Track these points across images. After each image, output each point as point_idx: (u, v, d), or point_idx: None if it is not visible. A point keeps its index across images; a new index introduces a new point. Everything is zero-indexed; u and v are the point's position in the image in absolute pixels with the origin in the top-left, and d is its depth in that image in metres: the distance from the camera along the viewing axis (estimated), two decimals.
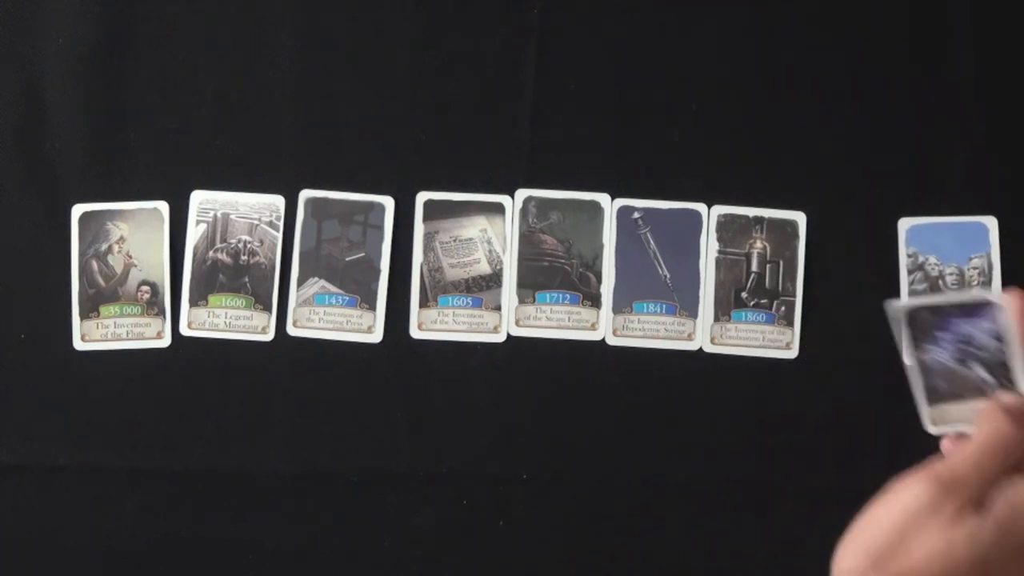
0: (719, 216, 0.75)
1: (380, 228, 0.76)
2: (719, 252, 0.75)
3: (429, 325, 0.75)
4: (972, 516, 0.50)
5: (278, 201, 0.76)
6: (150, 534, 0.74)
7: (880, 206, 0.75)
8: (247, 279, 0.76)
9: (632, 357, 0.75)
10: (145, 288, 0.76)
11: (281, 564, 0.74)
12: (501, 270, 0.76)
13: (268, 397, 0.75)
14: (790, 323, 0.74)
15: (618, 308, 0.75)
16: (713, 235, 0.75)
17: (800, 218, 0.75)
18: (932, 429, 0.59)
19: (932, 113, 0.76)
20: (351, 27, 0.77)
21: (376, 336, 0.75)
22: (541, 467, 0.74)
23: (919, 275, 0.74)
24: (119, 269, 0.76)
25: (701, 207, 0.76)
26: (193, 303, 0.76)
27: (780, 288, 0.75)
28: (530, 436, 0.74)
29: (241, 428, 0.75)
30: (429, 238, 0.76)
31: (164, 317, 0.76)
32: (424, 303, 0.75)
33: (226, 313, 0.76)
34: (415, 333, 0.75)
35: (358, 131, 0.77)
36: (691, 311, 0.75)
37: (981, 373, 0.58)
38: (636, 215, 0.76)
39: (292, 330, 0.75)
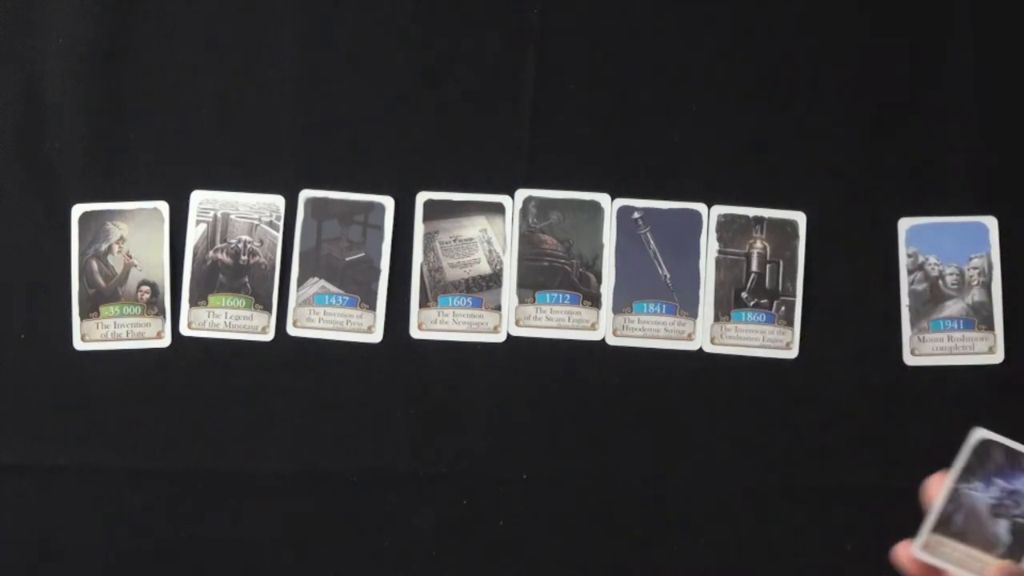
0: (719, 216, 0.75)
1: (380, 228, 0.76)
2: (719, 252, 0.75)
3: (429, 325, 0.75)
4: None
5: (278, 201, 0.76)
6: (150, 534, 0.74)
7: (880, 206, 0.75)
8: (247, 279, 0.76)
9: (632, 357, 0.75)
10: (145, 288, 0.76)
11: (281, 564, 0.74)
12: (501, 270, 0.76)
13: (268, 397, 0.75)
14: (790, 323, 0.74)
15: (618, 308, 0.75)
16: (713, 235, 0.75)
17: (800, 218, 0.75)
18: (918, 552, 0.58)
19: (932, 113, 0.76)
20: (351, 27, 0.77)
21: (376, 336, 0.75)
22: (541, 467, 0.74)
23: (919, 275, 0.74)
24: (119, 269, 0.76)
25: (701, 207, 0.76)
26: (193, 303, 0.76)
27: (780, 288, 0.75)
28: (530, 436, 0.74)
29: (241, 428, 0.75)
30: (429, 238, 0.76)
31: (164, 317, 0.76)
32: (424, 303, 0.75)
33: (226, 313, 0.76)
34: (415, 333, 0.75)
35: (358, 131, 0.77)
36: (691, 311, 0.75)
37: (1002, 531, 0.58)
38: (636, 215, 0.76)
39: (292, 330, 0.75)
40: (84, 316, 0.76)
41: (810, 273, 0.75)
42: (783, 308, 0.75)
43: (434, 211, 0.76)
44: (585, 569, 0.74)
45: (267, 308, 0.76)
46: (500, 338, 0.75)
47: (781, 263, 0.75)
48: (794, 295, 0.75)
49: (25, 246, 0.76)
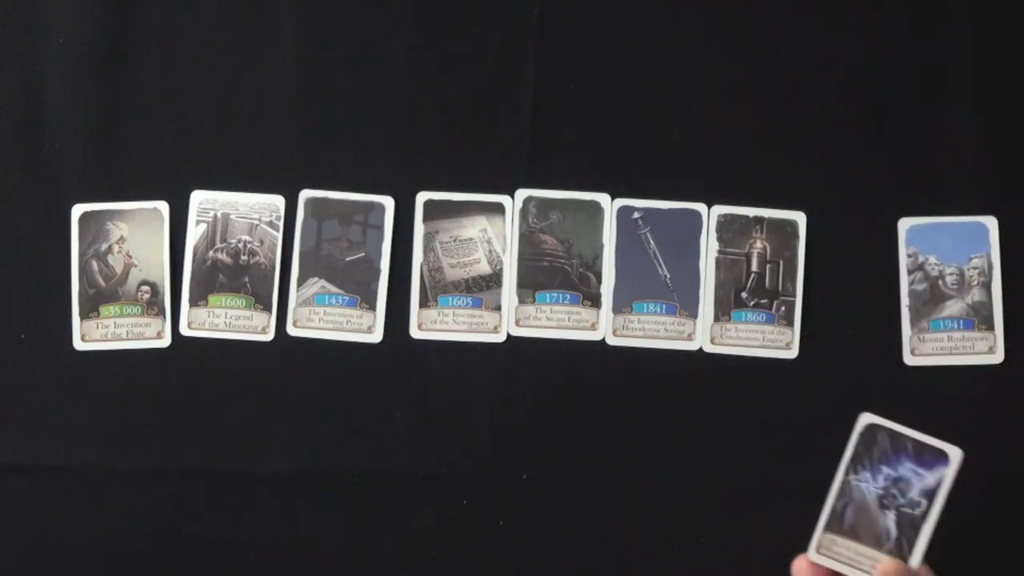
0: (719, 216, 0.75)
1: (380, 228, 0.76)
2: (719, 252, 0.75)
3: (429, 325, 0.75)
4: None
5: (278, 201, 0.76)
6: (150, 534, 0.74)
7: (880, 206, 0.75)
8: (247, 279, 0.76)
9: (632, 357, 0.75)
10: (145, 288, 0.76)
11: (281, 564, 0.74)
12: (501, 270, 0.76)
13: (268, 397, 0.75)
14: (790, 323, 0.74)
15: (618, 308, 0.75)
16: (713, 235, 0.75)
17: (800, 218, 0.75)
18: (813, 555, 0.59)
19: (932, 113, 0.76)
20: (351, 27, 0.77)
21: (376, 336, 0.75)
22: (541, 467, 0.74)
23: (919, 275, 0.75)
24: (119, 269, 0.76)
25: (701, 207, 0.76)
26: (193, 303, 0.76)
27: (780, 288, 0.75)
28: (530, 436, 0.74)
29: (241, 428, 0.75)
30: (429, 238, 0.76)
31: (164, 317, 0.76)
32: (424, 303, 0.75)
33: (226, 313, 0.76)
34: (415, 333, 0.75)
35: (358, 131, 0.77)
36: (691, 311, 0.75)
37: (890, 524, 0.58)
38: (636, 215, 0.76)
39: (292, 330, 0.75)
40: (84, 316, 0.76)
41: (810, 273, 0.75)
42: (783, 308, 0.75)
43: (434, 211, 0.76)
44: (585, 569, 0.74)
45: (267, 308, 0.76)
46: (500, 338, 0.75)
47: (781, 263, 0.75)
48: (794, 295, 0.75)
49: (25, 246, 0.76)
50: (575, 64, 0.77)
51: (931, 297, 0.74)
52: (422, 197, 0.76)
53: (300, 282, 0.76)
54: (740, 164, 0.76)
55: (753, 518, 0.73)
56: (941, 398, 0.73)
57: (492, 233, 0.76)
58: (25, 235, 0.77)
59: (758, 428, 0.74)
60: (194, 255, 0.76)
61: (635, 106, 0.76)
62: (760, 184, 0.76)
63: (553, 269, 0.76)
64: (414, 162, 0.77)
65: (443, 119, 0.77)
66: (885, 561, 0.58)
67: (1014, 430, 0.74)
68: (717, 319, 0.75)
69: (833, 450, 0.73)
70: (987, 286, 0.74)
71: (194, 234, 0.76)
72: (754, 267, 0.75)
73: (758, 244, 0.75)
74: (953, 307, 0.74)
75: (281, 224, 0.76)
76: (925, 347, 0.74)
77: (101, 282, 0.76)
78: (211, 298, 0.76)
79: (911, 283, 0.75)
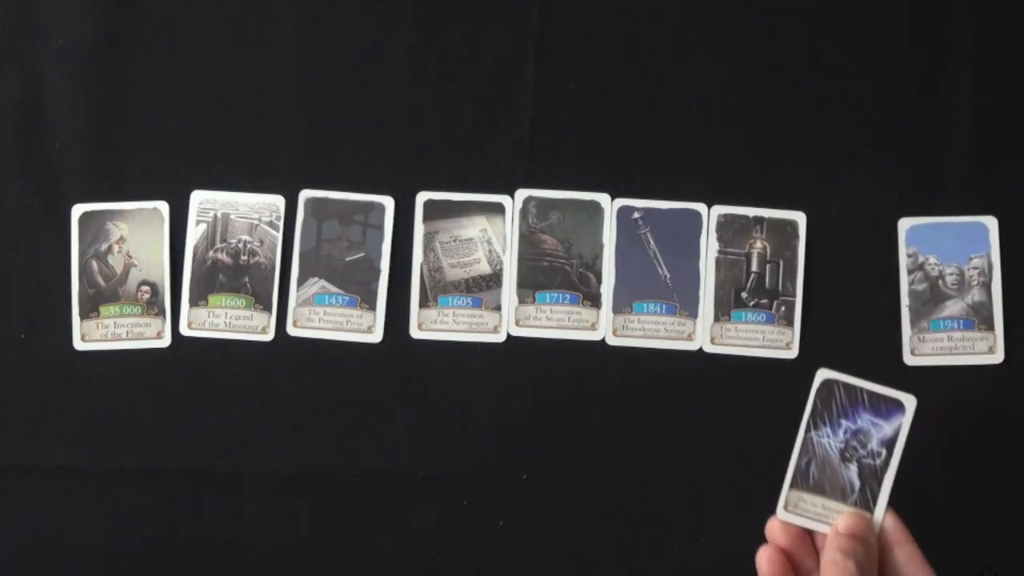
0: (719, 216, 0.75)
1: (380, 228, 0.76)
2: (719, 252, 0.75)
3: (429, 325, 0.75)
4: None
5: (278, 201, 0.76)
6: (150, 534, 0.74)
7: (880, 206, 0.75)
8: (247, 279, 0.76)
9: (632, 357, 0.75)
10: (145, 288, 0.76)
11: (281, 564, 0.74)
12: (501, 270, 0.76)
13: (268, 397, 0.75)
14: (790, 323, 0.74)
15: (618, 308, 0.75)
16: (713, 235, 0.75)
17: (800, 218, 0.75)
18: (781, 513, 0.59)
19: (932, 113, 0.76)
20: (351, 27, 0.77)
21: (376, 336, 0.75)
22: (541, 467, 0.74)
23: (919, 275, 0.75)
24: (119, 269, 0.76)
25: (701, 207, 0.76)
26: (193, 303, 0.76)
27: (780, 288, 0.75)
28: (530, 436, 0.74)
29: (241, 428, 0.75)
30: (429, 238, 0.76)
31: (164, 317, 0.76)
32: (424, 303, 0.75)
33: (226, 313, 0.76)
34: (415, 333, 0.75)
35: (358, 131, 0.77)
36: (691, 311, 0.75)
37: (853, 476, 0.59)
38: (636, 215, 0.76)
39: (292, 330, 0.75)
40: (84, 316, 0.76)
41: (810, 273, 0.75)
42: (783, 308, 0.75)
43: (434, 211, 0.76)
44: (585, 569, 0.74)
45: (267, 308, 0.76)
46: (500, 338, 0.75)
47: (781, 263, 0.75)
48: (794, 295, 0.75)
49: (25, 246, 0.76)
50: (575, 64, 0.77)
51: (931, 297, 0.74)
52: (422, 197, 0.76)
53: (300, 282, 0.76)
54: (740, 164, 0.76)
55: (753, 518, 0.73)
56: (941, 398, 0.73)
57: (492, 233, 0.76)
58: (25, 235, 0.77)
59: (758, 428, 0.74)
60: (194, 255, 0.76)
61: (635, 106, 0.76)
62: (760, 184, 0.76)
63: (553, 269, 0.76)
64: (414, 162, 0.77)
65: (443, 119, 0.77)
66: (845, 513, 0.59)
67: (1014, 430, 0.74)
68: (717, 319, 0.75)
69: None
70: (987, 286, 0.74)
71: (194, 234, 0.76)
72: (754, 267, 0.75)
73: (758, 244, 0.75)
74: (953, 307, 0.74)
75: (281, 224, 0.76)
76: (925, 347, 0.74)
77: (101, 282, 0.76)
78: (211, 298, 0.76)
79: (911, 283, 0.75)
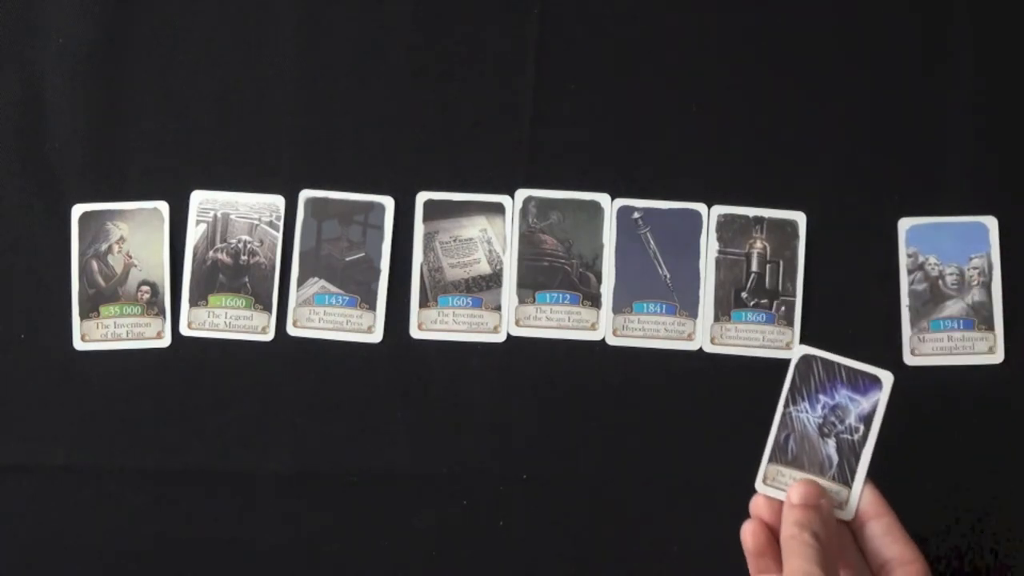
0: (719, 216, 0.75)
1: (380, 228, 0.76)
2: (719, 252, 0.75)
3: (429, 325, 0.75)
4: None
5: (278, 201, 0.76)
6: (150, 534, 0.74)
7: (880, 206, 0.75)
8: (247, 279, 0.76)
9: (632, 357, 0.75)
10: (145, 288, 0.76)
11: (281, 564, 0.74)
12: (501, 270, 0.76)
13: (268, 397, 0.75)
14: (790, 323, 0.74)
15: (618, 308, 0.75)
16: (713, 235, 0.75)
17: (800, 218, 0.75)
18: (759, 486, 0.60)
19: (932, 113, 0.76)
20: (351, 27, 0.78)
21: (376, 336, 0.75)
22: (541, 467, 0.74)
23: (919, 275, 0.75)
24: (119, 269, 0.76)
25: (701, 207, 0.76)
26: (193, 303, 0.76)
27: (780, 288, 0.75)
28: (530, 436, 0.74)
29: (241, 428, 0.75)
30: (429, 238, 0.76)
31: (164, 317, 0.76)
32: (424, 303, 0.75)
33: (226, 313, 0.76)
34: (415, 333, 0.75)
35: (358, 131, 0.77)
36: (691, 311, 0.75)
37: (831, 451, 0.60)
38: (636, 215, 0.76)
39: (292, 330, 0.75)
40: (84, 316, 0.76)
41: (810, 273, 0.75)
42: (783, 308, 0.75)
43: (434, 211, 0.76)
44: (585, 569, 0.74)
45: (267, 308, 0.76)
46: (500, 338, 0.75)
47: (781, 263, 0.75)
48: (794, 295, 0.75)
49: (25, 246, 0.76)
50: (575, 64, 0.77)
51: (931, 297, 0.74)
52: (422, 197, 0.76)
53: (300, 282, 0.76)
54: (740, 164, 0.76)
55: None
56: (941, 398, 0.73)
57: (492, 233, 0.76)
58: (25, 235, 0.77)
59: (758, 428, 0.74)
60: (194, 255, 0.76)
61: (635, 106, 0.76)
62: (760, 184, 0.76)
63: (553, 269, 0.76)
64: (414, 162, 0.77)
65: (443, 119, 0.77)
66: (796, 482, 0.59)
67: (1014, 430, 0.74)
68: (717, 319, 0.75)
69: None
70: (987, 286, 0.74)
71: (194, 234, 0.76)
72: (754, 267, 0.75)
73: (758, 244, 0.75)
74: (953, 307, 0.74)
75: (281, 224, 0.76)
76: (925, 347, 0.74)
77: (101, 282, 0.76)
78: (211, 298, 0.76)
79: (911, 283, 0.75)
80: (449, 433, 0.74)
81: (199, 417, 0.75)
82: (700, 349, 0.75)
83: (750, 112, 0.76)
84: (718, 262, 0.75)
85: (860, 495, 0.59)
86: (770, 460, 0.61)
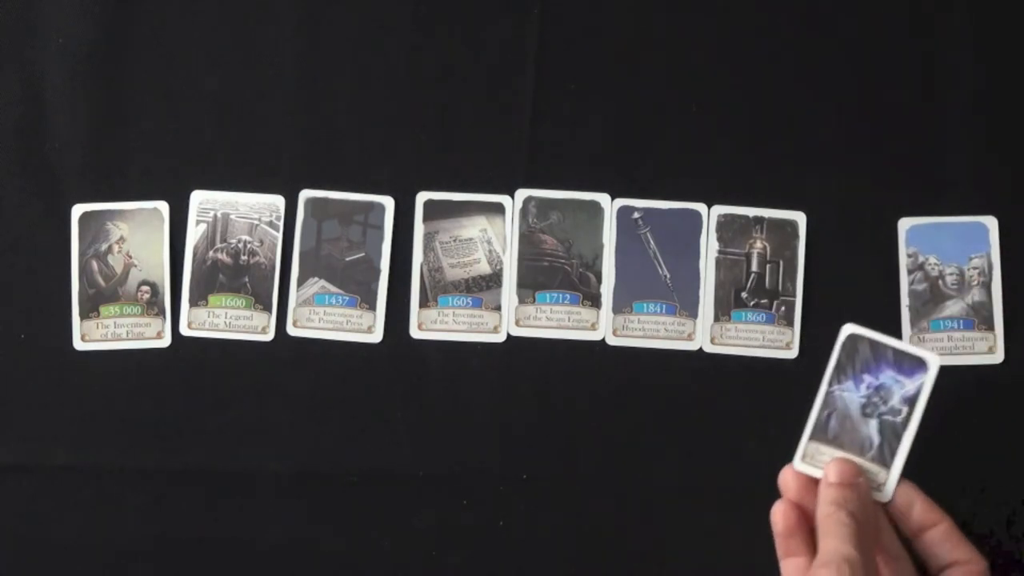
0: (719, 216, 0.75)
1: (380, 228, 0.76)
2: (719, 252, 0.75)
3: (429, 325, 0.75)
4: None
5: (278, 201, 0.76)
6: (150, 534, 0.74)
7: (880, 206, 0.75)
8: (247, 279, 0.76)
9: (632, 357, 0.75)
10: (145, 288, 0.76)
11: (281, 564, 0.74)
12: (501, 270, 0.76)
13: (268, 397, 0.75)
14: (790, 323, 0.74)
15: (618, 308, 0.75)
16: (713, 235, 0.75)
17: (800, 218, 0.75)
18: (798, 464, 0.60)
19: (932, 113, 0.76)
20: (351, 27, 0.77)
21: (376, 336, 0.75)
22: (541, 467, 0.74)
23: (919, 275, 0.75)
24: (119, 269, 0.76)
25: (701, 207, 0.76)
26: (193, 303, 0.76)
27: (780, 288, 0.75)
28: (530, 436, 0.74)
29: (241, 428, 0.75)
30: (429, 238, 0.76)
31: (164, 317, 0.76)
32: (424, 303, 0.75)
33: (226, 313, 0.76)
34: (415, 333, 0.75)
35: (358, 131, 0.77)
36: (691, 311, 0.75)
37: (872, 432, 0.59)
38: (636, 215, 0.76)
39: (292, 330, 0.75)
40: (84, 316, 0.76)
41: (810, 273, 0.75)
42: (783, 308, 0.75)
43: (434, 211, 0.76)
44: (585, 569, 0.74)
45: (267, 308, 0.76)
46: (500, 338, 0.75)
47: (781, 263, 0.75)
48: (794, 295, 0.75)
49: (25, 246, 0.76)
50: (575, 64, 0.77)
51: (931, 297, 0.74)
52: (422, 197, 0.76)
53: (300, 282, 0.76)
54: (740, 164, 0.76)
55: (753, 518, 0.73)
56: (941, 398, 0.73)
57: (492, 233, 0.76)
58: (25, 235, 0.77)
59: (758, 428, 0.74)
60: (194, 255, 0.76)
61: (635, 106, 0.76)
62: (760, 184, 0.76)
63: (553, 269, 0.76)
64: (414, 162, 0.77)
65: (443, 119, 0.77)
66: (833, 460, 0.59)
67: (1014, 430, 0.74)
68: (717, 319, 0.75)
69: None
70: (987, 286, 0.74)
71: (194, 234, 0.76)
72: (754, 267, 0.75)
73: (758, 244, 0.75)
74: (953, 307, 0.74)
75: (281, 224, 0.76)
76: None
77: (101, 282, 0.76)
78: (211, 298, 0.76)
79: (911, 283, 0.75)
80: (449, 433, 0.74)
81: (199, 417, 0.75)
82: (700, 349, 0.75)
83: (750, 112, 0.76)
84: (718, 262, 0.75)
85: (898, 481, 0.59)
86: (811, 438, 0.61)
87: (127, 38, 0.78)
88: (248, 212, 0.76)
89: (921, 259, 0.75)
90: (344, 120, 0.77)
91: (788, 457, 0.70)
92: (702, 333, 0.75)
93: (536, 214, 0.76)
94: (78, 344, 0.76)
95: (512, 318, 0.75)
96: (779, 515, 0.59)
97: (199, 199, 0.77)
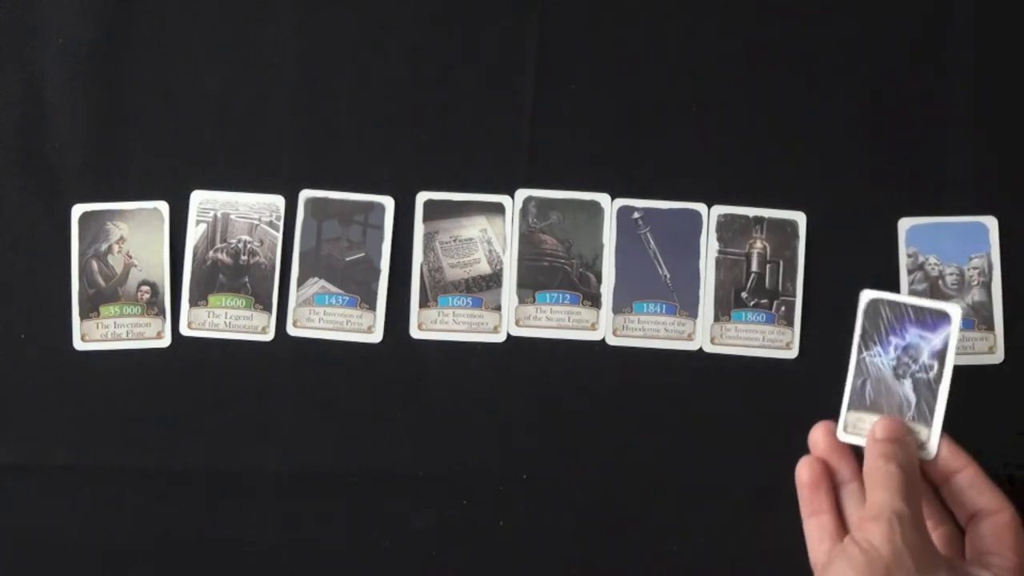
0: (719, 216, 0.75)
1: (380, 228, 0.76)
2: (719, 252, 0.75)
3: (429, 325, 0.75)
4: None
5: (278, 201, 0.76)
6: (150, 534, 0.74)
7: (880, 206, 0.75)
8: (247, 279, 0.76)
9: (632, 357, 0.75)
10: (145, 288, 0.76)
11: (281, 564, 0.74)
12: (501, 270, 0.76)
13: (268, 397, 0.75)
14: (790, 323, 0.74)
15: (618, 308, 0.75)
16: (713, 235, 0.75)
17: (800, 218, 0.75)
18: (841, 435, 0.60)
19: (932, 113, 0.76)
20: (351, 27, 0.77)
21: (376, 336, 0.75)
22: (541, 467, 0.74)
23: (919, 275, 0.75)
24: (119, 269, 0.76)
25: (701, 207, 0.76)
26: (193, 303, 0.76)
27: (780, 288, 0.75)
28: (530, 436, 0.74)
29: (241, 428, 0.75)
30: (429, 238, 0.76)
31: (164, 317, 0.76)
32: (424, 303, 0.75)
33: (226, 313, 0.76)
34: (415, 333, 0.75)
35: (358, 131, 0.77)
36: (691, 311, 0.75)
37: (908, 392, 0.59)
38: (636, 215, 0.76)
39: (292, 330, 0.75)
40: (84, 316, 0.76)
41: (810, 273, 0.75)
42: (783, 308, 0.75)
43: (434, 211, 0.76)
44: (585, 569, 0.74)
45: (267, 308, 0.76)
46: (500, 338, 0.75)
47: (781, 263, 0.75)
48: (794, 295, 0.75)
49: (25, 246, 0.76)
50: (575, 64, 0.77)
51: (931, 297, 0.74)
52: (422, 197, 0.76)
53: (300, 282, 0.76)
54: (740, 164, 0.76)
55: (753, 518, 0.73)
56: None
57: (492, 233, 0.76)
58: (25, 235, 0.77)
59: (758, 428, 0.74)
60: (194, 255, 0.76)
61: (635, 106, 0.76)
62: (760, 184, 0.76)
63: (553, 269, 0.76)
64: (414, 162, 0.77)
65: (443, 119, 0.77)
66: (880, 419, 0.59)
67: (1014, 430, 0.74)
68: (717, 319, 0.75)
69: None
70: (987, 286, 0.74)
71: (194, 234, 0.76)
72: (754, 267, 0.75)
73: (758, 244, 0.75)
74: None
75: (281, 224, 0.76)
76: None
77: (101, 282, 0.76)
78: (211, 298, 0.76)
79: (911, 283, 0.75)
80: (449, 433, 0.74)
81: (199, 417, 0.75)
82: (700, 349, 0.75)
83: (750, 112, 0.76)
84: (718, 262, 0.75)
85: (940, 433, 0.59)
86: (849, 408, 0.61)
87: (127, 38, 0.78)
88: (248, 212, 0.76)
89: (921, 259, 0.75)
90: (344, 120, 0.77)
91: (788, 457, 0.70)
92: (702, 333, 0.75)
93: (536, 214, 0.76)
94: (78, 344, 0.76)
95: (512, 318, 0.75)
96: (805, 467, 0.59)
97: (199, 199, 0.77)
